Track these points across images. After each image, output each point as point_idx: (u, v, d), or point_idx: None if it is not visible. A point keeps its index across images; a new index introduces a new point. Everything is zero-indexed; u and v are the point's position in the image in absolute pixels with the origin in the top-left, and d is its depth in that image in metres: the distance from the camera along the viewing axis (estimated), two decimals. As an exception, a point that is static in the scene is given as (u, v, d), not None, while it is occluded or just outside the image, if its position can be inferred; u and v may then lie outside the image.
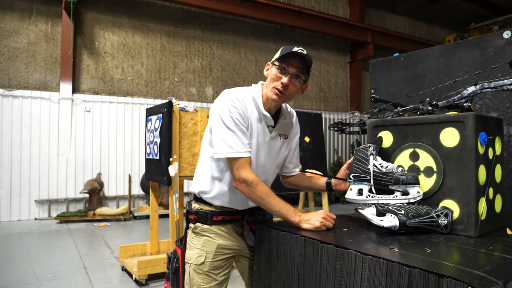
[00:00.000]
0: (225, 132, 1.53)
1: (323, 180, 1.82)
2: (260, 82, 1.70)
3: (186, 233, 1.76)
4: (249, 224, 1.69)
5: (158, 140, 3.74)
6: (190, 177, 3.73)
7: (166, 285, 1.81)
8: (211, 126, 1.62)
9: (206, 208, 1.68)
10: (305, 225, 1.51)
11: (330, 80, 11.28)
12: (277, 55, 1.60)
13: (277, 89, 1.56)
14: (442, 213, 1.43)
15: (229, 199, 1.65)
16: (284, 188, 1.94)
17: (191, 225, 1.71)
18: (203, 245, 1.66)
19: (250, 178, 1.52)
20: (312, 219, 1.51)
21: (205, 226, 1.66)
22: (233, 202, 1.66)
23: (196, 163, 3.68)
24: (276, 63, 1.58)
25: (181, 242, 1.79)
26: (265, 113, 1.60)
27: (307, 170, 1.78)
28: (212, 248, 1.65)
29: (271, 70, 1.61)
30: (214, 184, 1.65)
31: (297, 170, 1.87)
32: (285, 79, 1.55)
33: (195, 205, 1.72)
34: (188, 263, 1.67)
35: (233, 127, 1.53)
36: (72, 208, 7.33)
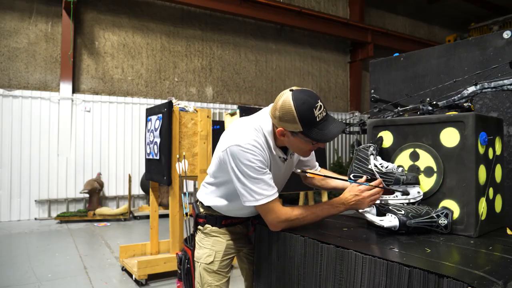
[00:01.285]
0: (251, 183, 1.47)
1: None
2: (266, 112, 1.58)
3: (194, 233, 1.80)
4: (254, 226, 1.74)
5: (158, 140, 3.74)
6: (190, 177, 3.73)
7: (179, 285, 1.85)
8: (227, 168, 1.53)
9: (215, 213, 1.72)
10: (353, 209, 1.51)
11: (330, 80, 11.28)
12: (299, 127, 1.43)
13: (310, 151, 1.60)
14: (442, 213, 1.43)
15: (239, 213, 1.70)
16: (284, 188, 1.94)
17: (201, 227, 1.75)
18: (213, 245, 1.70)
19: (286, 216, 1.50)
20: (360, 203, 1.49)
21: (215, 228, 1.71)
22: (243, 214, 1.72)
23: (196, 163, 3.69)
24: (310, 139, 1.47)
25: (190, 243, 1.82)
26: (277, 151, 1.59)
27: (308, 171, 1.77)
28: (221, 247, 1.70)
29: (297, 141, 1.51)
30: (224, 203, 1.68)
31: (318, 168, 1.89)
32: (322, 145, 1.56)
33: (203, 209, 1.75)
34: (198, 262, 1.71)
35: (258, 175, 1.47)
36: (72, 208, 7.33)
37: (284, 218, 1.49)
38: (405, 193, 1.50)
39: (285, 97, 1.44)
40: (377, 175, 1.53)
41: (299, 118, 1.41)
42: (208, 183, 1.74)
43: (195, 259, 1.74)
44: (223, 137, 1.59)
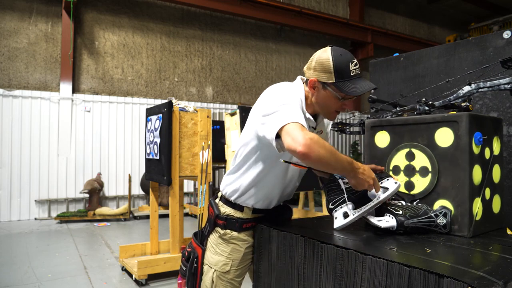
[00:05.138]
0: (279, 105, 1.36)
1: None
2: (299, 78, 1.58)
3: (209, 233, 1.71)
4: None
5: (158, 140, 3.74)
6: (190, 177, 3.73)
7: (181, 282, 1.78)
8: (259, 118, 1.46)
9: (237, 215, 1.64)
10: (352, 180, 1.39)
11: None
12: (332, 78, 1.42)
13: (338, 112, 1.52)
14: (440, 212, 1.43)
15: (261, 202, 1.63)
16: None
17: (219, 230, 1.66)
18: (230, 253, 1.65)
19: (315, 135, 1.29)
20: (363, 180, 1.37)
21: (235, 233, 1.64)
22: (265, 203, 1.64)
23: (196, 163, 3.69)
24: (339, 93, 1.44)
25: (199, 239, 1.74)
26: (309, 116, 1.53)
27: (293, 161, 1.50)
28: (238, 256, 1.65)
29: (326, 95, 1.46)
30: (248, 191, 1.61)
31: None
32: (350, 106, 1.53)
33: (225, 210, 1.67)
34: (212, 268, 1.66)
35: (288, 100, 1.37)
36: (72, 208, 7.33)
37: (313, 135, 1.28)
38: (384, 189, 1.45)
39: (324, 50, 1.46)
40: (346, 193, 1.47)
41: (334, 68, 1.41)
42: (236, 173, 1.64)
43: (207, 263, 1.68)
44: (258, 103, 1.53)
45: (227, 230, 1.64)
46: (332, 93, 1.45)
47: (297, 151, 1.25)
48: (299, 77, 1.60)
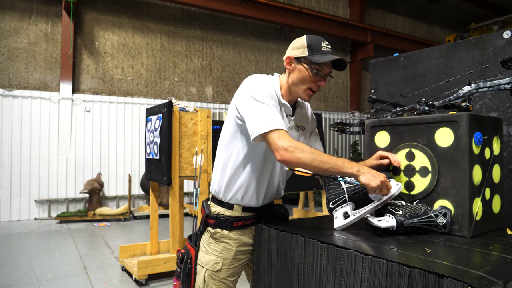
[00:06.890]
0: (258, 107, 1.48)
1: None
2: (276, 75, 1.69)
3: (201, 234, 1.74)
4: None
5: (158, 140, 3.74)
6: (190, 177, 3.73)
7: (176, 283, 1.79)
8: (236, 115, 1.58)
9: (227, 213, 1.67)
10: (362, 178, 1.38)
11: (330, 80, 11.27)
12: (306, 52, 1.56)
13: (311, 90, 1.58)
14: (440, 212, 1.43)
15: (248, 197, 1.65)
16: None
17: (210, 229, 1.69)
18: (221, 252, 1.65)
19: (294, 143, 1.42)
20: (372, 175, 1.38)
21: (225, 232, 1.65)
22: (253, 199, 1.66)
23: (196, 163, 3.69)
24: (312, 65, 1.55)
25: (193, 241, 1.76)
26: (284, 101, 1.60)
27: (296, 169, 1.60)
28: (229, 254, 1.66)
29: (300, 69, 1.57)
30: (232, 185, 1.64)
31: None
32: (322, 82, 1.58)
33: (215, 209, 1.69)
34: (204, 267, 1.67)
35: (265, 100, 1.49)
36: (72, 208, 7.33)
37: (295, 143, 1.42)
38: None
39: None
40: (347, 193, 1.48)
41: (307, 44, 1.58)
42: (217, 170, 1.69)
43: (199, 263, 1.69)
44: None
45: (217, 229, 1.66)
46: (306, 67, 1.56)
47: (277, 159, 1.44)
48: (276, 74, 1.72)
